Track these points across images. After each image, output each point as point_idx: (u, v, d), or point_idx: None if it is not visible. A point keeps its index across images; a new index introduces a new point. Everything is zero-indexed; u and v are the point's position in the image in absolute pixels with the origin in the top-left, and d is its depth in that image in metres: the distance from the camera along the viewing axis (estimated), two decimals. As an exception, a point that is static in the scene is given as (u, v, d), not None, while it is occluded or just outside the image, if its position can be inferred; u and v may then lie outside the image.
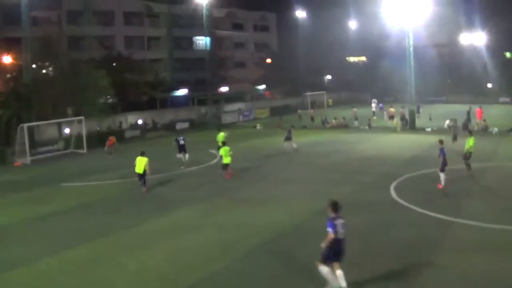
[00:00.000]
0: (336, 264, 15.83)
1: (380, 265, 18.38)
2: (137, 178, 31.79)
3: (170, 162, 40.17)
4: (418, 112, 68.41)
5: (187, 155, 39.47)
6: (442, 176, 29.42)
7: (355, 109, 70.61)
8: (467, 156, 33.74)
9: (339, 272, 15.63)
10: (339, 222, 16.14)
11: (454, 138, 47.05)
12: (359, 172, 35.42)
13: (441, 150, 29.88)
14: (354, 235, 21.67)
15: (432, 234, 21.85)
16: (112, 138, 50.04)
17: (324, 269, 15.74)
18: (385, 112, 72.41)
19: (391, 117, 64.50)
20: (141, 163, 31.27)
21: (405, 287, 16.71)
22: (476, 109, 63.40)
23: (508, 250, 19.79)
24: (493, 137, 53.13)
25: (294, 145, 44.14)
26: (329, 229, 15.82)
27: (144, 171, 31.29)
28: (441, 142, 30.55)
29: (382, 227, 22.87)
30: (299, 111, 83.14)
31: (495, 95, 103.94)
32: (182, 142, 39.73)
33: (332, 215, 16.20)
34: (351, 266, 17.69)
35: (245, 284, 17.26)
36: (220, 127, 47.93)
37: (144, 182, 31.66)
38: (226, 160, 34.33)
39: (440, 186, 29.31)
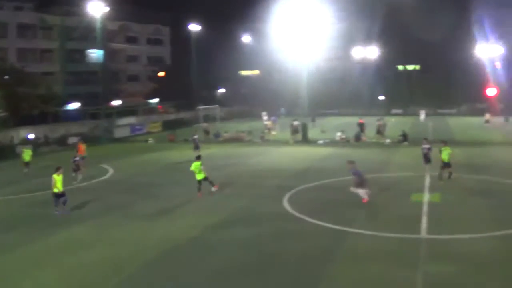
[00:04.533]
0: None
1: (273, 277, 18.72)
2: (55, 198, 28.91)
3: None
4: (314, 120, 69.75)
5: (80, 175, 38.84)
6: (361, 191, 29.79)
7: (269, 122, 71.50)
8: (444, 165, 35.04)
9: None
10: None
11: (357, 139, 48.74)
12: (252, 185, 35.92)
13: (353, 170, 30.27)
14: (247, 247, 22.18)
15: (325, 244, 22.39)
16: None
17: None
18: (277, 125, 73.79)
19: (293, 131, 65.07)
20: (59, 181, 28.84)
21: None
22: (359, 121, 65.35)
23: (400, 258, 20.58)
24: (385, 148, 54.83)
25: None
26: None
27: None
28: (351, 162, 31.17)
29: (276, 239, 23.29)
30: (196, 125, 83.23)
31: (387, 107, 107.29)
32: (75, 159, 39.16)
33: None
34: (244, 278, 18.11)
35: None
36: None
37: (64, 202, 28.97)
38: (199, 176, 32.80)
39: (364, 201, 29.75)
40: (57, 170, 29.01)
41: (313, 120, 74.39)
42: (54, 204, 28.74)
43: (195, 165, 32.94)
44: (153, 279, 18.91)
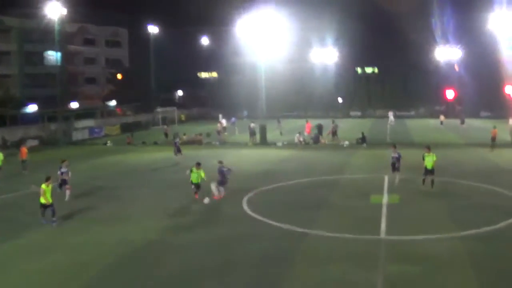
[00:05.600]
0: None
1: (233, 279, 18.68)
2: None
3: (18, 182, 38.60)
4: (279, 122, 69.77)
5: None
6: (214, 187, 31.23)
7: (219, 124, 71.35)
8: (426, 172, 33.71)
9: None
10: None
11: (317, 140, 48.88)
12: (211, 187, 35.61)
13: (219, 169, 32.12)
14: (208, 250, 22.03)
15: (286, 246, 22.42)
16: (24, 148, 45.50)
17: None
18: (236, 128, 73.62)
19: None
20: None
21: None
22: (306, 123, 65.77)
23: (361, 259, 20.68)
24: (344, 150, 55.14)
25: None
26: None
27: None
28: (220, 162, 33.07)
29: (236, 241, 23.20)
30: (154, 127, 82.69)
31: (346, 109, 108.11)
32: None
33: None
34: (205, 281, 17.98)
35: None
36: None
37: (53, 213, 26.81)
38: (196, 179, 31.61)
39: (216, 197, 30.95)
40: (47, 180, 27.29)
41: (279, 122, 74.44)
42: (41, 214, 26.80)
43: (198, 173, 31.68)
44: (113, 283, 18.67)
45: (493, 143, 54.31)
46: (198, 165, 32.11)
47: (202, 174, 31.67)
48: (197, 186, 31.56)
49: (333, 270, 19.42)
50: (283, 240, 23.26)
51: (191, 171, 31.77)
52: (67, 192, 32.42)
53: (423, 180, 33.89)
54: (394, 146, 36.94)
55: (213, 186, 31.21)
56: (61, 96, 78.90)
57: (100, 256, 21.52)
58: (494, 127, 56.26)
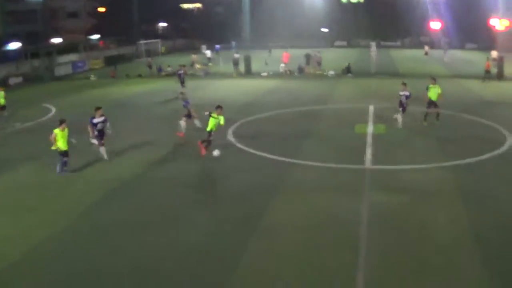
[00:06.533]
0: None
1: (221, 210, 18.92)
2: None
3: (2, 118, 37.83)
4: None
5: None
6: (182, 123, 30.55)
7: (194, 56, 70.70)
8: (430, 104, 32.61)
9: None
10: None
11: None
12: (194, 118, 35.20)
13: (186, 101, 31.42)
14: (195, 182, 22.16)
15: (271, 176, 22.69)
16: None
17: None
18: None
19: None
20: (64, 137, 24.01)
21: (250, 230, 17.06)
22: (283, 52, 65.37)
23: (346, 188, 20.98)
24: (329, 80, 55.09)
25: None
26: None
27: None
28: (181, 93, 33.14)
29: (221, 172, 23.33)
30: (137, 60, 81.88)
31: (330, 39, 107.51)
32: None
33: None
34: (198, 211, 18.20)
35: (93, 238, 16.95)
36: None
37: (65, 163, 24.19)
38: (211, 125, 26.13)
39: (181, 135, 30.18)
40: (61, 123, 24.01)
41: (270, 51, 73.71)
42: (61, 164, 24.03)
43: (218, 119, 26.02)
44: (104, 216, 18.80)
45: (487, 75, 54.32)
46: (219, 108, 26.17)
47: (222, 121, 26.13)
48: (210, 133, 26.10)
49: (318, 200, 19.66)
50: (269, 170, 23.44)
51: (211, 115, 25.96)
52: (102, 150, 25.99)
53: (426, 114, 32.77)
54: (404, 84, 32.99)
55: (183, 122, 30.50)
56: (43, 32, 77.70)
57: (90, 192, 21.45)
58: (488, 59, 56.22)
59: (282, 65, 62.23)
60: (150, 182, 22.37)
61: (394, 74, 58.98)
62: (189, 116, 30.75)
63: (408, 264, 14.57)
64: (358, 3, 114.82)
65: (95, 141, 25.81)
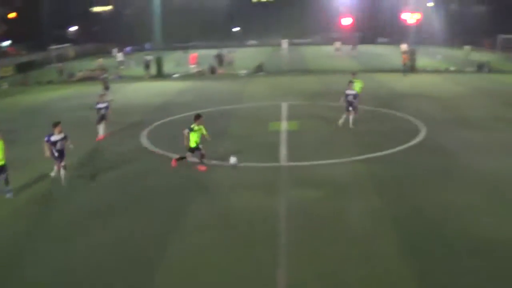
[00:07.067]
0: None
1: (141, 214, 18.70)
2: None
3: None
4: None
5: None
6: (100, 128, 30.10)
7: (100, 59, 69.69)
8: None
9: None
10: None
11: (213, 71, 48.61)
12: (109, 123, 34.69)
13: (99, 104, 30.26)
14: (111, 187, 21.79)
15: (189, 177, 22.57)
16: None
17: None
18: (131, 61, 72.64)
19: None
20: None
21: (170, 232, 16.96)
22: (190, 54, 65.72)
23: (263, 186, 21.07)
24: (242, 79, 55.34)
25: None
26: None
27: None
28: (101, 96, 31.48)
29: (138, 176, 23.03)
30: (48, 66, 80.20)
31: (241, 38, 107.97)
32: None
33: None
34: (117, 214, 18.21)
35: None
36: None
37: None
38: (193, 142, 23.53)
39: (101, 137, 29.92)
40: None
41: (186, 52, 73.39)
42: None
43: (199, 130, 23.61)
44: (18, 228, 18.15)
45: (405, 68, 55.69)
46: (198, 118, 23.59)
47: (205, 131, 24.00)
48: (195, 150, 23.68)
49: (236, 199, 19.76)
50: (186, 172, 23.31)
51: (192, 130, 23.28)
52: (62, 173, 22.18)
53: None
54: (351, 82, 31.82)
55: (102, 125, 30.09)
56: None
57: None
58: (404, 53, 57.54)
59: (192, 66, 62.29)
60: (64, 190, 21.72)
61: (305, 71, 59.77)
62: (103, 118, 30.13)
63: (327, 259, 14.81)
64: (269, 2, 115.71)
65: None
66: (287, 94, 43.60)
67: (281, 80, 53.74)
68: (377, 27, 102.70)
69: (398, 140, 27.45)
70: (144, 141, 29.31)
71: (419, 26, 73.18)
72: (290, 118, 33.71)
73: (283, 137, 28.86)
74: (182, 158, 24.08)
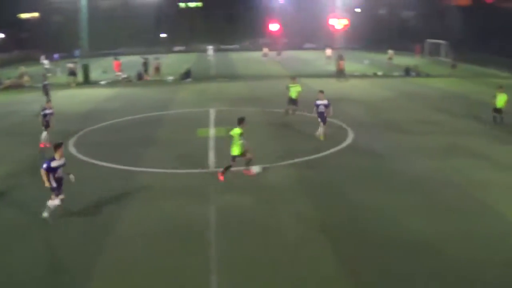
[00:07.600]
0: None
1: (69, 225, 18.38)
2: None
3: None
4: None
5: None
6: (44, 135, 29.22)
7: (23, 68, 68.04)
8: (291, 101, 35.69)
9: None
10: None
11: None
12: (34, 132, 33.08)
13: (45, 111, 29.42)
14: (42, 198, 21.15)
15: (118, 186, 22.30)
16: None
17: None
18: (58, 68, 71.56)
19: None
20: None
21: (101, 242, 16.80)
22: (113, 62, 65.31)
23: (192, 193, 21.13)
24: (169, 86, 55.17)
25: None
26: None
27: None
28: (48, 102, 30.58)
29: (68, 186, 22.43)
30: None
31: (169, 45, 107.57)
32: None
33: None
34: (47, 227, 18.04)
35: None
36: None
37: None
38: (235, 150, 22.63)
39: (43, 145, 29.07)
40: None
41: (116, 58, 72.34)
42: None
43: (235, 132, 22.54)
44: None
45: (341, 73, 56.27)
46: (242, 121, 22.53)
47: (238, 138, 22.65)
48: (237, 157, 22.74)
49: (167, 206, 19.69)
50: (114, 181, 23.10)
51: (235, 133, 22.42)
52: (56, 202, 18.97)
53: (287, 110, 35.88)
54: (322, 92, 30.38)
55: (45, 133, 29.14)
56: None
57: None
58: (341, 59, 58.08)
59: (117, 73, 61.73)
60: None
61: (233, 76, 59.92)
62: (47, 125, 29.24)
63: (259, 265, 14.93)
64: (196, 7, 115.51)
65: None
66: (215, 100, 43.67)
67: (209, 86, 53.77)
68: (304, 32, 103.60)
69: (327, 144, 27.97)
70: (72, 149, 28.69)
71: (346, 31, 74.50)
72: (218, 124, 33.75)
73: (211, 143, 28.87)
74: (228, 168, 22.67)
